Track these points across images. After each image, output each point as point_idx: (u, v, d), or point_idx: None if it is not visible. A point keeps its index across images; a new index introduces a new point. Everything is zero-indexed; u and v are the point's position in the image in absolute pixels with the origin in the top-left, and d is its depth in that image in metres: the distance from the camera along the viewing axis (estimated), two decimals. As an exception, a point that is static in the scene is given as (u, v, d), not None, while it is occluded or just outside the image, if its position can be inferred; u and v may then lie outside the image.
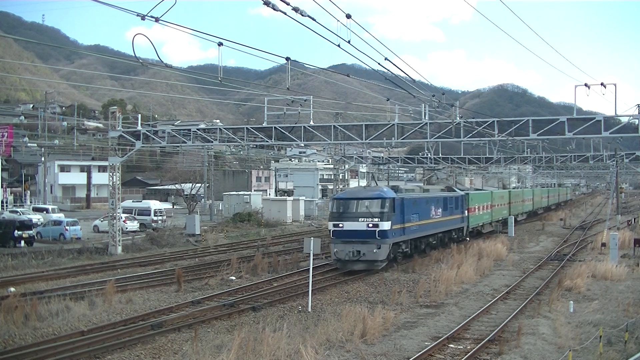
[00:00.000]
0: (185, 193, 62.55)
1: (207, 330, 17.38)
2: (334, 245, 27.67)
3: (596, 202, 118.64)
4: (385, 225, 27.09)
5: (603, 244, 35.83)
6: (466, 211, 39.61)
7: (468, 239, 40.12)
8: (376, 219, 26.99)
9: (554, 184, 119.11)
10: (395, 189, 30.71)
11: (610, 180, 76.93)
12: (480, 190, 55.36)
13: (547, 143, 50.17)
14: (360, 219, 27.24)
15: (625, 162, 53.24)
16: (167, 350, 15.34)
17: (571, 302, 20.72)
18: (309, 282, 20.79)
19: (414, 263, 29.71)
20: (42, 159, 74.04)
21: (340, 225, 27.53)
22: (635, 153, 51.14)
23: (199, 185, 62.72)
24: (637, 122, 26.54)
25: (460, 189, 43.98)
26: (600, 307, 20.82)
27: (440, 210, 34.56)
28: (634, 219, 57.04)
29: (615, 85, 25.05)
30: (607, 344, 15.63)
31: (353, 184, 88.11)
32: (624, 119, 27.17)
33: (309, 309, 20.08)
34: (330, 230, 28.49)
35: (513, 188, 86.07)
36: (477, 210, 42.67)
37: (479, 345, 15.85)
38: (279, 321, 17.95)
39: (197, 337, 15.84)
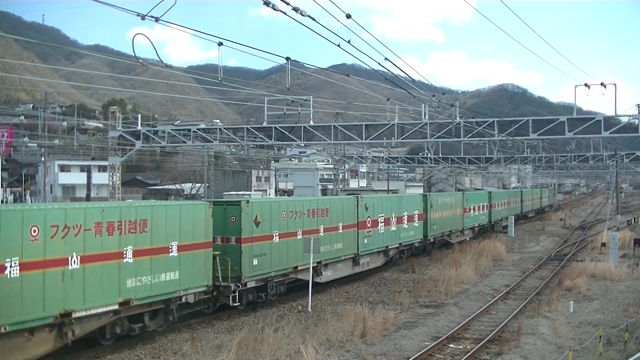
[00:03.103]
0: (186, 193, 62.56)
1: (206, 330, 17.36)
2: None
3: (596, 202, 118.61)
4: None
5: (603, 244, 35.85)
6: None
7: None
8: None
9: (554, 183, 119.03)
10: None
11: (610, 180, 76.90)
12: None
13: (547, 143, 50.14)
14: None
15: (625, 162, 53.20)
16: (167, 350, 15.33)
17: (571, 302, 20.73)
18: (309, 282, 20.78)
19: (414, 263, 29.67)
20: (42, 159, 73.88)
21: None
22: (635, 153, 51.11)
23: (199, 185, 62.75)
24: (637, 122, 26.54)
25: None
26: (600, 307, 20.81)
27: None
28: (634, 219, 57.03)
29: (615, 85, 25.09)
30: (607, 344, 15.63)
31: (353, 184, 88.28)
32: (624, 119, 27.19)
33: (309, 309, 20.08)
34: None
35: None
36: None
37: (479, 345, 15.86)
38: (279, 321, 17.95)
39: (197, 337, 15.85)
